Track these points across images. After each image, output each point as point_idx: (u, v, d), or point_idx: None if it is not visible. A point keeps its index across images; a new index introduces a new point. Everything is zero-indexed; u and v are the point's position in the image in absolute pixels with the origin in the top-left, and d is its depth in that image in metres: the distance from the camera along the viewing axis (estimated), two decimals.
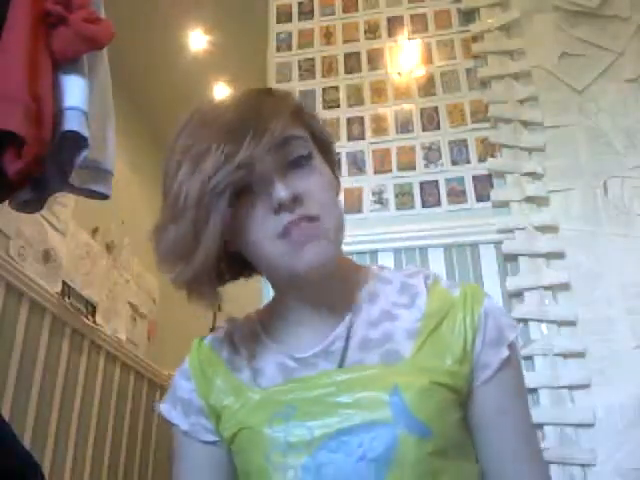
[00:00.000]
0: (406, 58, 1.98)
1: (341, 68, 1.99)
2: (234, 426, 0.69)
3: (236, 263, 0.75)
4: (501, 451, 0.68)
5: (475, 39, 1.93)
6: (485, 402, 0.68)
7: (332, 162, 0.76)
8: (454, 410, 0.67)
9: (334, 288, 0.72)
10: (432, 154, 1.81)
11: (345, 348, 0.69)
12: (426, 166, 1.80)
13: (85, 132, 1.20)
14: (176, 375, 0.77)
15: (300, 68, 2.01)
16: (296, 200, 0.65)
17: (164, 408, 0.76)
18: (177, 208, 0.66)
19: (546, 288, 1.56)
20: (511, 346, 0.70)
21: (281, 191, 0.64)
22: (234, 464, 0.72)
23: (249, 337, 0.75)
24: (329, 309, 0.71)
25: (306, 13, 2.11)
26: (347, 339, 0.69)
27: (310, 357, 0.69)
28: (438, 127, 1.85)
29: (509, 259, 1.63)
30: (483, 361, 0.68)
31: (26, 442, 2.08)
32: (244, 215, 0.66)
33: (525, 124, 1.78)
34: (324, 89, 1.97)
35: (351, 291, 0.73)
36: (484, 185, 1.74)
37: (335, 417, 0.64)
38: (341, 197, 0.77)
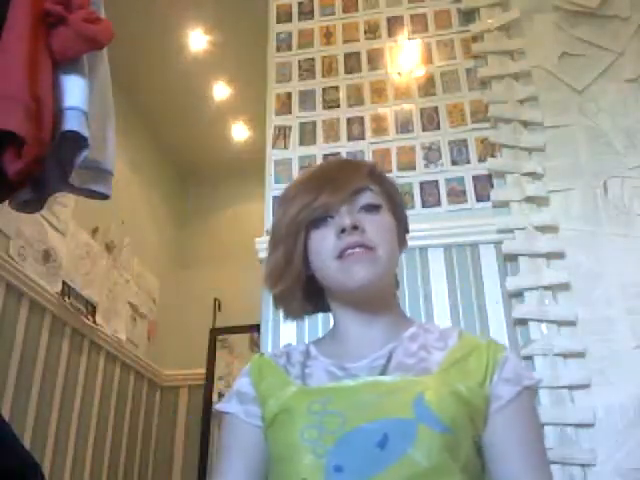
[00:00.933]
0: (406, 58, 1.98)
1: (341, 68, 1.99)
2: (277, 407, 0.79)
3: (318, 293, 0.89)
4: (508, 473, 0.74)
5: (475, 39, 1.93)
6: (497, 430, 0.75)
7: (401, 221, 0.91)
8: (471, 426, 0.74)
9: (383, 320, 0.84)
10: (432, 154, 1.81)
11: (385, 366, 0.79)
12: (426, 166, 1.80)
13: (85, 132, 1.20)
14: (238, 379, 0.90)
15: (300, 68, 2.01)
16: (357, 228, 0.80)
17: (220, 405, 0.87)
18: (274, 241, 0.87)
19: (546, 288, 1.56)
20: (528, 389, 0.78)
21: (346, 219, 0.80)
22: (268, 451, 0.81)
23: (304, 353, 0.87)
24: (376, 339, 0.83)
25: (306, 13, 2.11)
26: (388, 359, 0.80)
27: (354, 368, 0.80)
28: (438, 127, 1.85)
29: (509, 259, 1.63)
30: (497, 393, 0.76)
31: (26, 442, 2.08)
32: (315, 240, 0.83)
33: (525, 124, 1.78)
34: (324, 89, 1.97)
35: (397, 330, 0.84)
36: (484, 185, 1.74)
37: (366, 410, 0.73)
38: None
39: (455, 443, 0.70)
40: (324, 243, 0.82)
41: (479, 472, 0.75)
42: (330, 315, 0.90)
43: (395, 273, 0.88)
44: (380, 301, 0.84)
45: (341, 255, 0.79)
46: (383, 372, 0.78)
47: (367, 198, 0.84)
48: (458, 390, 0.74)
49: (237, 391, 0.87)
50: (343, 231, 0.80)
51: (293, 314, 0.90)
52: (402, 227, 0.91)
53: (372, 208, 0.84)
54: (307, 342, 0.92)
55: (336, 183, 0.84)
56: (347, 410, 0.73)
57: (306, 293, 0.88)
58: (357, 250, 0.79)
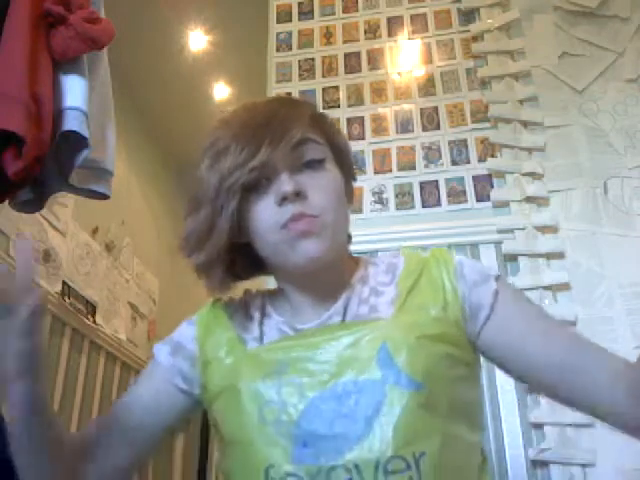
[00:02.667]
0: (406, 58, 1.98)
1: (341, 68, 1.99)
2: (224, 379, 0.72)
3: (249, 260, 0.80)
4: (546, 350, 0.69)
5: (475, 39, 1.93)
6: (497, 332, 0.71)
7: (347, 169, 0.80)
8: (450, 365, 0.68)
9: (331, 277, 0.76)
10: (432, 154, 1.81)
11: (342, 322, 0.73)
12: (426, 166, 1.80)
13: (85, 132, 1.20)
14: (182, 324, 0.83)
15: (300, 68, 2.01)
16: (299, 194, 0.70)
17: (156, 345, 0.81)
18: (197, 200, 0.74)
19: (546, 288, 1.56)
20: (497, 278, 0.74)
21: (286, 185, 0.70)
22: (181, 416, 0.79)
23: (259, 308, 0.80)
24: (326, 293, 0.76)
25: (306, 13, 2.11)
26: (344, 314, 0.74)
27: (308, 329, 0.74)
28: (438, 127, 1.85)
29: (509, 259, 1.63)
30: (475, 303, 0.71)
31: None
32: (252, 207, 0.72)
33: (525, 124, 1.78)
34: (324, 89, 1.97)
35: (346, 277, 0.78)
36: (484, 185, 1.74)
37: (326, 373, 0.67)
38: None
39: (433, 396, 0.64)
40: (263, 213, 0.71)
41: (469, 410, 0.69)
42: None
43: (347, 230, 0.79)
44: (331, 270, 0.75)
45: (284, 225, 0.69)
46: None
47: (310, 152, 0.73)
48: (424, 330, 0.67)
49: (175, 340, 0.80)
50: (284, 199, 0.69)
51: (216, 288, 0.77)
52: (348, 176, 0.81)
53: (315, 164, 0.73)
54: (262, 293, 0.84)
55: (274, 134, 0.70)
56: (303, 374, 0.67)
57: (231, 263, 0.77)
58: (302, 222, 0.69)
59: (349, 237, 0.82)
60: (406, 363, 0.65)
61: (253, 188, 0.72)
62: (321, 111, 0.81)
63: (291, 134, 0.71)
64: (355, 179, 0.84)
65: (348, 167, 0.81)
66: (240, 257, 0.79)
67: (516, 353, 0.70)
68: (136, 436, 0.77)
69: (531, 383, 0.73)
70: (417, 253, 0.79)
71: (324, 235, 0.70)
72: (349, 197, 0.81)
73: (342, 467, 0.61)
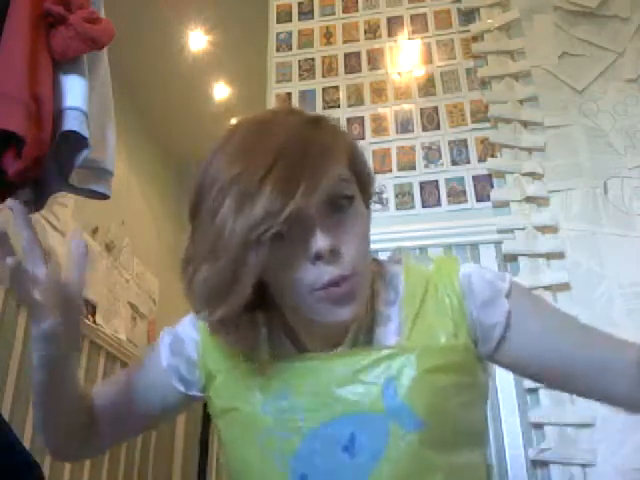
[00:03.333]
0: (406, 58, 1.98)
1: (341, 68, 1.99)
2: (227, 401, 0.70)
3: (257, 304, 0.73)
4: (566, 355, 0.67)
5: (475, 39, 1.93)
6: (514, 347, 0.67)
7: (368, 199, 0.75)
8: (455, 394, 0.65)
9: None
10: (432, 154, 1.81)
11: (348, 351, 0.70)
12: (426, 166, 1.80)
13: (85, 132, 1.20)
14: (188, 318, 0.78)
15: (300, 68, 2.01)
16: (334, 253, 0.63)
17: (162, 332, 0.80)
18: (217, 244, 0.61)
19: (546, 288, 1.56)
20: (509, 294, 0.69)
21: (322, 243, 0.62)
22: (176, 410, 0.79)
23: (265, 323, 0.75)
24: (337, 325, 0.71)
25: (306, 13, 2.11)
26: (353, 344, 0.70)
27: (315, 354, 0.71)
28: (438, 127, 1.85)
29: (509, 259, 1.63)
30: (487, 323, 0.67)
31: (26, 442, 2.08)
32: (281, 259, 0.63)
33: (525, 124, 1.78)
34: (324, 89, 1.97)
35: None
36: (484, 185, 1.74)
37: (329, 407, 0.64)
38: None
39: (437, 433, 0.62)
40: (296, 271, 0.63)
41: (474, 432, 0.68)
42: None
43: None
44: None
45: (320, 289, 0.63)
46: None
47: (340, 189, 0.65)
48: (429, 363, 0.64)
49: (177, 335, 0.77)
50: (319, 257, 0.62)
51: (241, 340, 0.69)
52: (368, 204, 0.75)
53: (345, 202, 0.66)
54: (274, 325, 0.77)
55: (312, 177, 0.60)
56: (307, 406, 0.65)
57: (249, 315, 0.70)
58: (342, 287, 0.62)
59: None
60: (410, 399, 0.62)
61: (281, 237, 0.63)
62: (349, 136, 0.74)
63: (329, 177, 0.62)
64: (370, 212, 0.77)
65: (369, 197, 0.75)
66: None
67: (537, 364, 0.68)
68: (137, 416, 0.79)
69: (548, 383, 0.71)
70: (419, 267, 0.73)
71: (359, 294, 0.65)
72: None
73: None
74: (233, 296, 0.62)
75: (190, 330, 0.77)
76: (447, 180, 1.77)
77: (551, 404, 1.45)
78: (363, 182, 0.71)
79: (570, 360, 0.66)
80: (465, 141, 1.81)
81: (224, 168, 0.63)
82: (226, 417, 0.71)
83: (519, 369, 0.70)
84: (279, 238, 0.62)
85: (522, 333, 0.67)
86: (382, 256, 1.68)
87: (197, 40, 3.16)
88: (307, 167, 0.61)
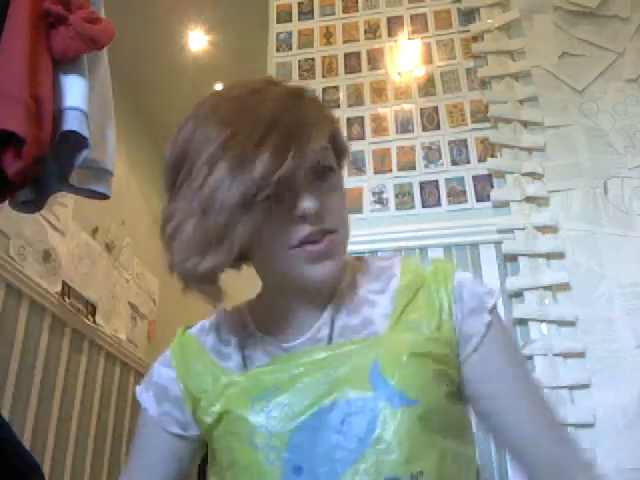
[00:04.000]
0: (406, 58, 1.98)
1: (341, 68, 1.99)
2: (215, 412, 0.69)
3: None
4: (507, 408, 0.68)
5: (475, 39, 1.93)
6: (477, 370, 0.69)
7: (343, 167, 0.77)
8: (440, 382, 0.66)
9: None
10: (432, 154, 1.81)
11: (330, 336, 0.70)
12: (426, 166, 1.80)
13: (85, 132, 1.20)
14: (157, 362, 0.78)
15: (300, 68, 2.01)
16: (318, 214, 0.66)
17: (139, 390, 0.77)
18: (211, 203, 0.63)
19: (546, 288, 1.56)
20: (492, 311, 0.71)
21: (308, 202, 0.65)
22: (192, 458, 0.76)
23: (239, 327, 0.76)
24: (312, 301, 0.72)
25: (306, 13, 2.11)
26: (332, 326, 0.70)
27: (297, 346, 0.71)
28: (438, 127, 1.85)
29: (509, 259, 1.63)
30: (467, 331, 0.69)
31: (26, 442, 2.08)
32: (267, 220, 0.65)
33: (525, 124, 1.78)
34: (324, 89, 1.97)
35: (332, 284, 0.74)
36: (484, 185, 1.74)
37: (315, 398, 0.64)
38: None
39: (427, 411, 0.62)
40: (276, 225, 0.65)
41: (460, 426, 0.68)
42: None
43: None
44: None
45: (304, 243, 0.65)
46: (329, 344, 0.69)
47: (323, 158, 0.69)
48: (416, 348, 0.65)
49: (156, 383, 0.76)
50: (303, 217, 0.65)
51: (216, 299, 0.71)
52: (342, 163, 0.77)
53: (327, 172, 0.69)
54: (239, 308, 0.79)
55: (302, 142, 0.64)
56: (293, 397, 0.65)
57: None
58: (322, 243, 0.66)
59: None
60: (398, 381, 0.63)
61: (268, 199, 0.65)
62: (335, 115, 0.78)
63: (316, 145, 0.66)
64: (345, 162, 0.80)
65: (343, 166, 0.78)
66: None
67: (480, 394, 0.69)
68: None
69: (481, 422, 0.71)
70: (417, 265, 0.75)
71: (338, 254, 0.68)
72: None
73: None
74: (222, 249, 0.63)
75: (165, 371, 0.76)
76: (447, 180, 1.77)
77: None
78: (340, 153, 0.75)
79: (509, 427, 0.68)
80: (465, 141, 1.81)
81: (215, 133, 0.65)
82: (218, 427, 0.69)
83: (468, 390, 0.70)
84: (267, 200, 0.64)
85: (487, 354, 0.70)
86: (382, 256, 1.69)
87: (197, 40, 3.16)
88: (298, 135, 0.64)
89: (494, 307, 0.72)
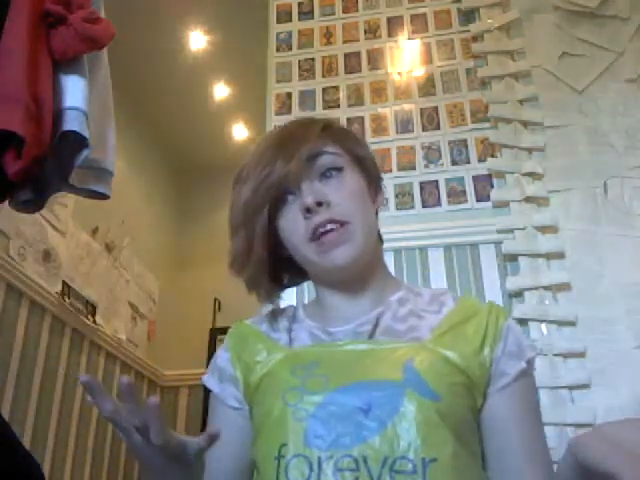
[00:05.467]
0: (406, 58, 1.98)
1: (341, 68, 1.99)
2: (260, 372, 0.76)
3: (294, 269, 0.85)
4: (507, 454, 0.70)
5: (475, 39, 1.93)
6: (499, 408, 0.71)
7: (370, 176, 0.83)
8: (465, 395, 0.69)
9: (370, 288, 0.80)
10: (432, 154, 1.81)
11: (372, 332, 0.75)
12: (426, 166, 1.80)
13: (85, 132, 1.20)
14: (219, 348, 0.87)
15: (300, 68, 2.01)
16: (322, 204, 0.74)
17: (204, 378, 0.85)
18: (233, 226, 0.80)
19: (546, 288, 1.56)
20: (529, 363, 0.75)
21: (307, 196, 0.74)
22: (249, 431, 0.78)
23: (291, 317, 0.84)
24: (362, 305, 0.79)
25: (306, 13, 2.11)
26: (375, 324, 0.76)
27: (339, 332, 0.76)
28: (438, 127, 1.85)
29: (509, 259, 1.63)
30: (502, 369, 0.72)
31: (26, 442, 2.08)
32: (283, 223, 0.78)
33: (525, 124, 1.78)
34: (324, 89, 1.97)
35: (383, 294, 0.80)
36: (484, 185, 1.74)
37: (351, 375, 0.69)
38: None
39: (447, 411, 0.66)
40: (293, 226, 0.76)
41: (474, 442, 0.70)
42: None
43: (377, 231, 0.83)
44: (366, 273, 0.79)
45: (314, 236, 0.74)
46: (370, 337, 0.75)
47: (325, 162, 0.77)
48: (451, 357, 0.70)
49: (218, 366, 0.83)
50: (309, 211, 0.74)
51: (265, 299, 0.83)
52: (373, 182, 0.84)
53: (334, 172, 0.77)
54: (295, 305, 0.88)
55: (287, 151, 0.76)
56: (331, 372, 0.70)
57: (273, 275, 0.82)
58: (329, 228, 0.73)
59: (381, 240, 0.85)
60: (428, 376, 0.67)
61: (281, 204, 0.77)
62: (337, 123, 0.87)
63: (303, 148, 0.76)
64: (380, 186, 0.86)
65: (372, 173, 0.84)
66: (284, 267, 0.84)
67: (493, 430, 0.71)
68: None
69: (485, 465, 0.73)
70: (475, 301, 0.81)
71: (354, 240, 0.74)
72: (376, 201, 0.84)
73: (350, 457, 0.63)
74: (252, 259, 0.78)
75: (223, 354, 0.83)
76: (447, 180, 1.77)
77: (551, 404, 1.45)
78: (358, 158, 0.82)
79: (508, 470, 0.70)
80: (465, 141, 1.81)
81: (237, 174, 0.83)
82: (259, 387, 0.75)
83: (484, 427, 0.72)
84: (281, 206, 0.77)
85: (512, 396, 0.72)
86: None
87: (197, 40, 3.16)
88: (283, 147, 0.77)
89: (532, 360, 0.75)
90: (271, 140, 0.81)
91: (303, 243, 0.75)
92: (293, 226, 0.76)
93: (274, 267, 0.81)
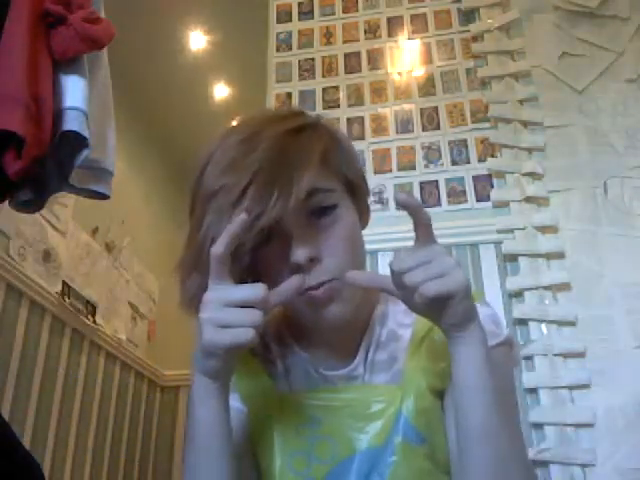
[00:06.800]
0: (406, 58, 1.98)
1: (341, 68, 1.99)
2: (260, 416, 0.71)
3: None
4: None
5: (475, 39, 1.93)
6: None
7: (360, 201, 0.75)
8: (442, 416, 0.69)
9: (352, 324, 0.74)
10: (432, 154, 1.81)
11: (364, 373, 0.72)
12: (426, 166, 1.80)
13: (85, 132, 1.20)
14: None
15: (300, 68, 2.01)
16: (314, 260, 0.65)
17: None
18: (201, 258, 0.64)
19: (546, 288, 1.56)
20: (496, 348, 0.69)
21: (299, 253, 0.63)
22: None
23: (277, 336, 0.78)
24: (347, 337, 0.74)
25: (306, 13, 2.11)
26: (365, 363, 0.73)
27: (335, 377, 0.73)
28: (438, 127, 1.85)
29: (509, 259, 1.63)
30: None
31: (26, 442, 2.08)
32: (267, 267, 0.67)
33: (525, 124, 1.78)
34: (324, 89, 1.97)
35: (365, 315, 0.75)
36: (484, 185, 1.74)
37: (353, 439, 0.68)
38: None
39: (435, 449, 0.67)
40: (275, 273, 0.65)
41: None
42: None
43: (363, 252, 0.74)
44: (357, 314, 0.71)
45: (305, 293, 0.65)
46: (363, 381, 0.72)
47: (319, 200, 0.67)
48: (430, 380, 0.68)
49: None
50: (299, 267, 0.64)
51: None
52: (363, 205, 0.76)
53: (327, 210, 0.67)
54: (275, 316, 0.79)
55: (282, 187, 0.62)
56: (336, 438, 0.68)
57: None
58: (321, 290, 0.65)
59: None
60: (413, 415, 0.66)
61: (261, 244, 0.65)
62: (336, 143, 0.73)
63: (300, 185, 0.62)
64: (369, 206, 0.79)
65: (363, 198, 0.76)
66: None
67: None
68: None
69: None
70: None
71: (346, 296, 0.66)
72: (364, 224, 0.77)
73: None
74: None
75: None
76: (447, 180, 1.77)
77: (551, 404, 1.45)
78: (350, 184, 0.73)
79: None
80: (465, 141, 1.81)
81: (211, 181, 0.66)
82: (258, 430, 0.72)
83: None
84: (264, 246, 0.65)
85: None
86: (382, 256, 1.69)
87: (197, 40, 3.16)
88: (278, 179, 0.63)
89: (498, 345, 0.70)
90: (259, 153, 0.64)
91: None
92: (277, 274, 0.65)
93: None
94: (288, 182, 0.62)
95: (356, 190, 0.74)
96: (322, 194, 0.67)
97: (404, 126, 1.87)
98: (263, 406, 0.72)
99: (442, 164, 1.79)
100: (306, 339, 0.76)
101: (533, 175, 1.70)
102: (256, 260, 0.66)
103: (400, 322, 0.75)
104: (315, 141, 0.69)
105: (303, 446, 0.68)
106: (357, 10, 2.08)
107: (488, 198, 1.72)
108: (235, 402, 0.73)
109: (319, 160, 0.67)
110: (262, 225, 0.61)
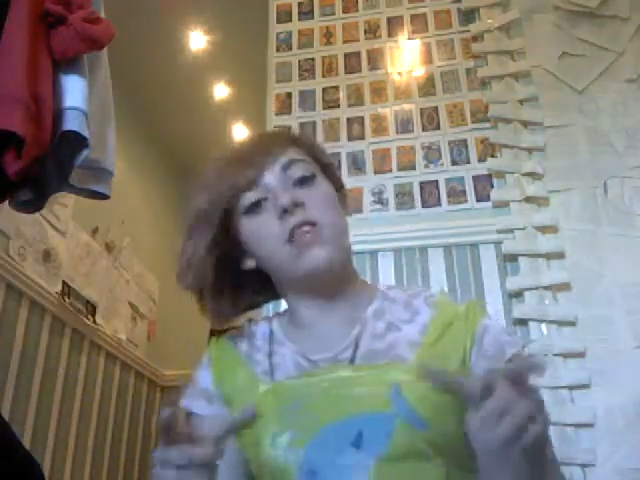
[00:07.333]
0: (406, 58, 1.98)
1: (341, 68, 1.99)
2: (240, 409, 0.72)
3: (258, 286, 0.85)
4: None
5: (475, 39, 1.93)
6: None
7: (335, 181, 0.85)
8: (455, 411, 0.66)
9: (342, 302, 0.78)
10: (432, 154, 1.81)
11: (352, 359, 0.74)
12: (426, 166, 1.80)
13: (85, 132, 1.20)
14: (197, 370, 0.85)
15: (300, 68, 2.01)
16: (298, 205, 0.75)
17: (186, 404, 0.79)
18: (195, 225, 0.79)
19: (546, 288, 1.56)
20: (513, 361, 0.72)
21: (284, 198, 0.74)
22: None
23: (268, 336, 0.82)
24: (338, 322, 0.78)
25: (306, 13, 2.11)
26: (354, 350, 0.74)
27: (322, 360, 0.75)
28: (438, 127, 1.85)
29: (509, 259, 1.63)
30: (477, 374, 0.70)
31: (26, 442, 2.08)
32: (255, 227, 0.77)
33: (525, 124, 1.78)
34: (324, 89, 1.97)
35: (359, 308, 0.79)
36: (484, 185, 1.74)
37: (339, 407, 0.69)
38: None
39: (438, 437, 0.66)
40: (266, 230, 0.76)
41: (470, 461, 0.68)
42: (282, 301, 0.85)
43: (349, 244, 0.82)
44: (339, 281, 0.78)
45: (291, 238, 0.74)
46: (351, 362, 0.74)
47: (299, 170, 0.79)
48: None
49: (201, 389, 0.81)
50: (285, 211, 0.74)
51: (221, 319, 0.83)
52: (340, 189, 0.86)
53: (307, 180, 0.78)
54: (270, 318, 0.85)
55: (263, 157, 0.78)
56: (319, 409, 0.69)
57: (238, 291, 0.83)
58: (305, 229, 0.74)
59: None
60: (416, 403, 0.67)
61: (251, 211, 0.78)
62: (302, 133, 0.89)
63: (277, 156, 0.78)
64: (343, 191, 0.87)
65: (336, 180, 0.86)
66: (248, 284, 0.84)
67: None
68: None
69: None
70: (452, 304, 0.79)
71: (328, 242, 0.74)
72: (344, 208, 0.84)
73: None
74: (208, 269, 0.78)
75: (204, 375, 0.82)
76: (447, 180, 1.77)
77: (551, 404, 1.45)
78: (321, 162, 0.84)
79: None
80: (465, 141, 1.81)
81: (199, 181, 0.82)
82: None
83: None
84: (253, 212, 0.77)
85: None
86: (382, 256, 1.69)
87: (197, 40, 3.16)
88: (256, 155, 0.79)
89: (516, 357, 0.73)
90: (239, 151, 0.82)
91: (278, 245, 0.75)
92: (266, 231, 0.76)
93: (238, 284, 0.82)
94: (267, 153, 0.79)
95: (327, 168, 0.85)
96: (299, 164, 0.79)
97: (404, 126, 1.87)
98: (246, 398, 0.74)
99: (442, 164, 1.79)
100: (297, 325, 0.80)
101: (533, 175, 1.70)
102: (250, 230, 0.78)
103: (399, 318, 0.78)
104: (285, 132, 0.88)
105: (283, 425, 0.69)
106: (357, 10, 2.08)
107: (488, 198, 1.72)
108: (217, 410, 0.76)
109: (291, 142, 0.83)
110: (247, 180, 0.76)
